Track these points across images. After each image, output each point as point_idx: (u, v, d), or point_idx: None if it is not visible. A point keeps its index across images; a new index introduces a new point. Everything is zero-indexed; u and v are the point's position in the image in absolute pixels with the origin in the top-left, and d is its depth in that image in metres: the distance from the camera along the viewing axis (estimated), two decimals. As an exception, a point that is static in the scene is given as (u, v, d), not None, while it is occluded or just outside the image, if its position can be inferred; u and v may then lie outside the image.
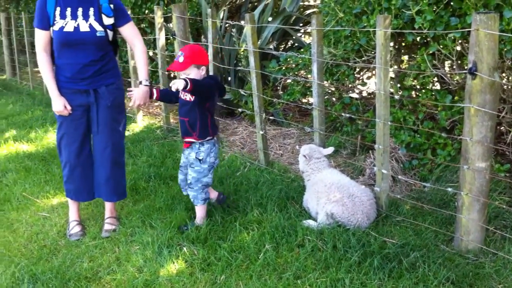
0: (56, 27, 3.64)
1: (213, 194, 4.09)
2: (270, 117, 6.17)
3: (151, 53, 7.79)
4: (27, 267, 3.57)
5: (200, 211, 3.90)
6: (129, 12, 6.56)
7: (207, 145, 3.76)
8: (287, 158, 5.22)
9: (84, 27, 3.63)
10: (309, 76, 5.45)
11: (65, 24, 3.63)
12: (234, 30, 6.56)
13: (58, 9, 3.64)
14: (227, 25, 6.95)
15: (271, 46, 6.41)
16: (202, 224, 3.85)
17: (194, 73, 3.61)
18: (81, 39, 3.65)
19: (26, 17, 10.10)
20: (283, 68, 5.66)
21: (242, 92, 5.55)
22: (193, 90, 3.47)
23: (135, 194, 4.59)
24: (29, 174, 5.23)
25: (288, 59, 5.58)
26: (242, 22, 6.21)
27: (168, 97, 3.93)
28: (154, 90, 3.86)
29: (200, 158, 3.75)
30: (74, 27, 3.62)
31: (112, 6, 3.70)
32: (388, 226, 3.75)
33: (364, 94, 5.53)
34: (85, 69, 3.71)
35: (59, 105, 3.73)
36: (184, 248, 3.59)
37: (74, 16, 3.63)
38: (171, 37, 6.39)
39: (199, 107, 3.67)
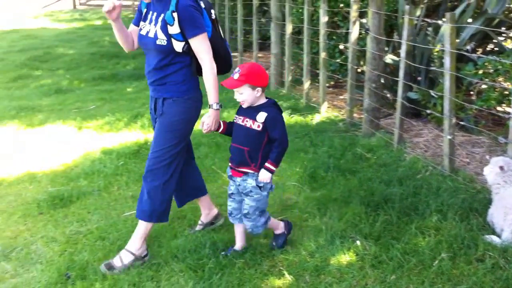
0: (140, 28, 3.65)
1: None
2: (460, 122, 5.87)
3: (341, 47, 7.87)
4: (209, 234, 3.89)
5: (272, 226, 3.64)
6: (323, 5, 6.75)
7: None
8: (474, 167, 4.94)
9: (151, 32, 3.47)
10: (508, 83, 5.08)
11: (143, 27, 3.56)
12: (430, 28, 6.34)
13: (145, 10, 3.60)
14: (422, 23, 6.73)
15: (468, 48, 6.08)
16: (286, 233, 3.69)
17: (248, 93, 3.29)
18: (145, 44, 3.54)
19: (229, 4, 10.82)
20: (480, 72, 5.34)
21: (432, 94, 5.36)
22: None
23: (313, 182, 4.71)
24: (219, 150, 5.65)
25: (486, 63, 5.25)
26: (440, 21, 5.97)
27: (231, 129, 3.56)
28: (221, 123, 3.53)
29: (261, 185, 3.41)
30: (147, 31, 3.51)
31: (175, 14, 3.36)
32: None
33: None
34: (149, 75, 3.59)
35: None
36: (357, 242, 3.62)
37: (151, 20, 3.51)
38: (363, 32, 6.39)
39: (268, 136, 3.36)
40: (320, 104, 7.08)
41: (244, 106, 3.37)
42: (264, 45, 10.69)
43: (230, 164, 3.53)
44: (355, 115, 6.59)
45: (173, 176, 3.59)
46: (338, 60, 7.75)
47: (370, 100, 5.93)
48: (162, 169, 3.53)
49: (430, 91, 5.47)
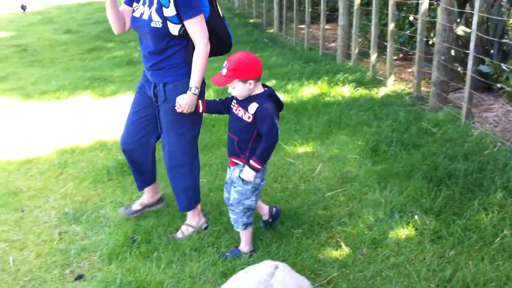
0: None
1: (264, 210, 3.62)
2: (533, 98, 5.63)
3: (411, 18, 7.65)
4: (269, 204, 3.95)
5: (244, 235, 3.38)
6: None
7: None
8: (546, 144, 4.74)
9: (146, 15, 3.30)
10: None
11: (136, 8, 3.39)
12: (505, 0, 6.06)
13: None
14: (499, -7, 6.43)
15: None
16: (247, 252, 3.36)
17: (240, 87, 3.07)
18: (140, 27, 3.37)
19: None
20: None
21: (504, 67, 5.14)
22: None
23: (375, 155, 4.67)
24: (281, 122, 5.67)
25: None
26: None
27: (217, 108, 3.41)
28: (200, 103, 3.38)
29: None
30: (141, 13, 3.34)
31: None
32: None
33: None
34: (146, 59, 3.45)
35: None
36: (416, 216, 3.59)
37: (144, 2, 3.35)
38: (434, 3, 6.18)
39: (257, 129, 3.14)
40: (386, 77, 6.95)
41: (239, 98, 3.17)
42: (331, 17, 10.53)
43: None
44: (422, 88, 6.43)
45: (196, 159, 3.61)
46: (407, 32, 7.54)
47: (438, 73, 5.76)
48: (185, 157, 3.53)
49: (502, 64, 5.25)
